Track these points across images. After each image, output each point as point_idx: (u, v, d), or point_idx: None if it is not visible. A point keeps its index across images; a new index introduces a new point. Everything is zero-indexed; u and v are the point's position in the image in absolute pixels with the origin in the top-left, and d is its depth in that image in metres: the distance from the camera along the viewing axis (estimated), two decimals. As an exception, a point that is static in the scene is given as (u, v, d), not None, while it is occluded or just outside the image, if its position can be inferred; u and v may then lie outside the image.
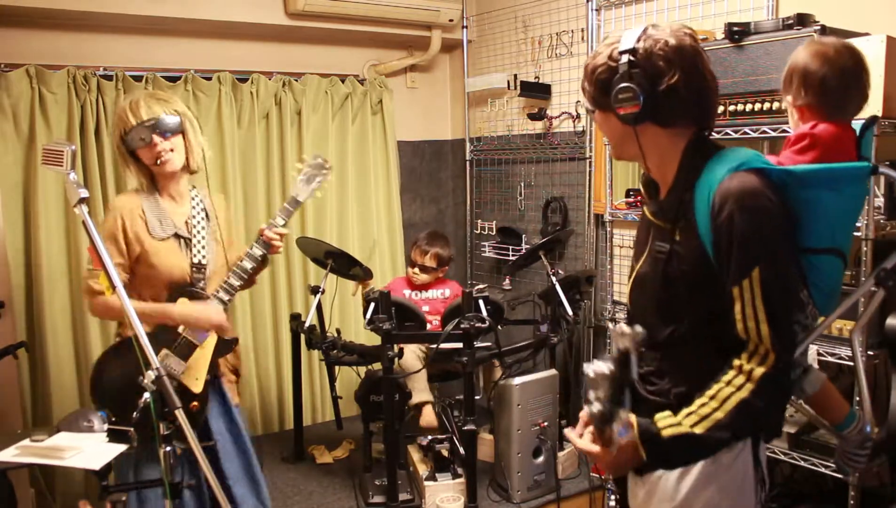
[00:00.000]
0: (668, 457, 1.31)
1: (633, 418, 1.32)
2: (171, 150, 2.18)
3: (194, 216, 2.28)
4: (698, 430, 1.28)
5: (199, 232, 2.27)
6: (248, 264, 2.25)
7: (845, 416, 1.66)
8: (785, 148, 1.59)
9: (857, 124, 1.56)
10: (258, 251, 2.26)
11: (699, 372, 1.34)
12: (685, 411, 1.31)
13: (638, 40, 1.33)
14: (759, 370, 1.27)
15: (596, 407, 1.26)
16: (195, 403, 2.14)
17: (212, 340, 2.23)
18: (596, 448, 1.34)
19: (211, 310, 2.18)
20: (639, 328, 1.24)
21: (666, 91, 1.32)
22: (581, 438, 1.40)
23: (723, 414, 1.27)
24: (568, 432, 1.45)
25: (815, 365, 2.21)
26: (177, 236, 2.23)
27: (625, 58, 1.33)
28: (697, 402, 1.31)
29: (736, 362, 1.30)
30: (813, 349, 2.26)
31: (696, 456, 1.34)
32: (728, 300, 1.30)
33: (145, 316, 2.16)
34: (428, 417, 3.25)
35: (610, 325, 1.44)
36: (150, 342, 2.05)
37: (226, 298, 2.23)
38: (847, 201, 1.39)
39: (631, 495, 1.52)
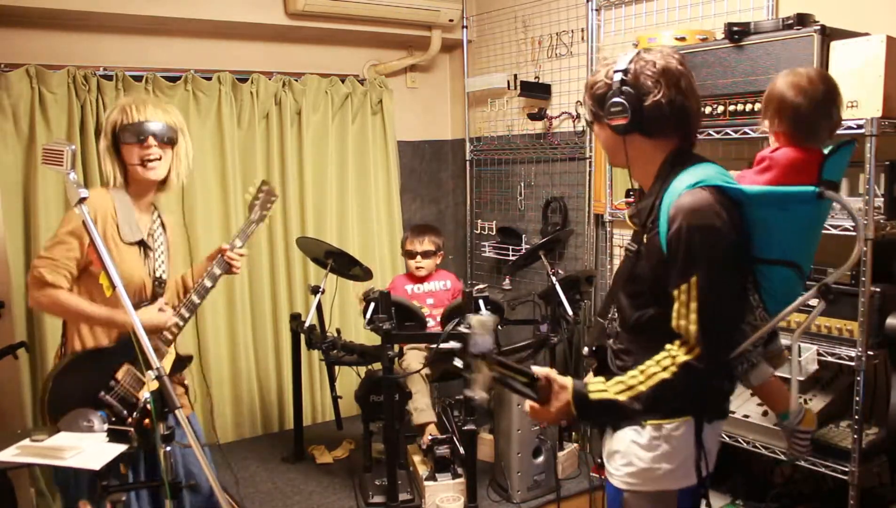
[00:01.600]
0: (593, 416, 1.56)
1: (568, 380, 1.53)
2: (159, 158, 2.15)
3: (154, 229, 2.26)
4: (621, 398, 1.50)
5: (159, 246, 2.25)
6: (209, 283, 2.27)
7: (785, 409, 1.85)
8: (751, 169, 1.76)
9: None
10: (218, 271, 2.29)
11: (657, 353, 1.52)
12: (616, 379, 1.53)
13: (630, 62, 1.55)
14: (683, 358, 1.47)
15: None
16: (147, 421, 2.07)
17: (170, 357, 2.23)
18: (535, 405, 1.55)
19: (151, 313, 2.14)
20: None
21: (651, 106, 1.52)
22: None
23: (644, 388, 1.48)
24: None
25: (815, 365, 2.24)
26: (142, 243, 2.19)
27: (617, 76, 1.54)
28: (629, 373, 1.52)
29: (668, 346, 1.50)
30: (812, 349, 2.26)
31: (616, 419, 1.59)
32: (670, 299, 1.49)
33: (94, 320, 2.11)
34: (429, 435, 3.24)
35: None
36: (111, 356, 2.07)
37: (187, 315, 2.23)
38: (797, 219, 1.54)
39: (604, 450, 1.73)
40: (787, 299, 1.59)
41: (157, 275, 2.21)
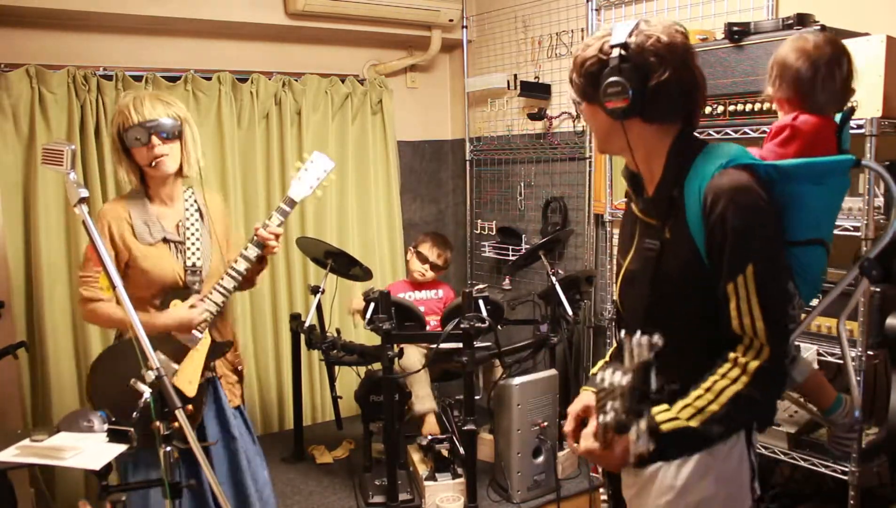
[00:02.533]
0: (666, 451, 1.30)
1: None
2: (167, 154, 2.16)
3: (188, 218, 2.26)
4: (694, 423, 1.28)
5: (192, 234, 2.24)
6: (242, 266, 2.22)
7: (832, 401, 1.71)
8: (766, 141, 1.62)
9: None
10: (253, 252, 2.23)
11: (691, 369, 1.34)
12: (681, 403, 1.31)
13: (630, 35, 1.32)
14: (754, 364, 1.28)
15: (610, 416, 1.23)
16: (189, 406, 2.11)
17: (205, 342, 2.21)
18: (596, 446, 1.33)
19: (180, 313, 2.16)
20: (657, 339, 1.20)
21: (655, 87, 1.32)
22: (578, 440, 1.42)
23: (718, 407, 1.27)
24: (568, 436, 1.47)
25: (815, 365, 2.23)
26: (166, 240, 2.21)
27: (616, 52, 1.31)
28: (693, 394, 1.31)
29: (731, 354, 1.31)
30: (812, 349, 2.26)
31: (692, 449, 1.35)
32: (722, 297, 1.31)
33: (125, 325, 2.17)
34: (430, 427, 3.25)
35: (623, 335, 1.42)
36: (152, 342, 2.05)
37: (219, 299, 2.20)
38: (831, 193, 1.41)
39: (624, 486, 1.53)
40: (818, 281, 1.46)
41: (189, 264, 2.21)
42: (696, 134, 1.44)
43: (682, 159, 1.37)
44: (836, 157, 1.44)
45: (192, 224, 2.26)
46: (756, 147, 1.57)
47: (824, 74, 1.56)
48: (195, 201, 2.31)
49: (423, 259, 3.62)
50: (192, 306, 2.19)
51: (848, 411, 1.68)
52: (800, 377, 1.64)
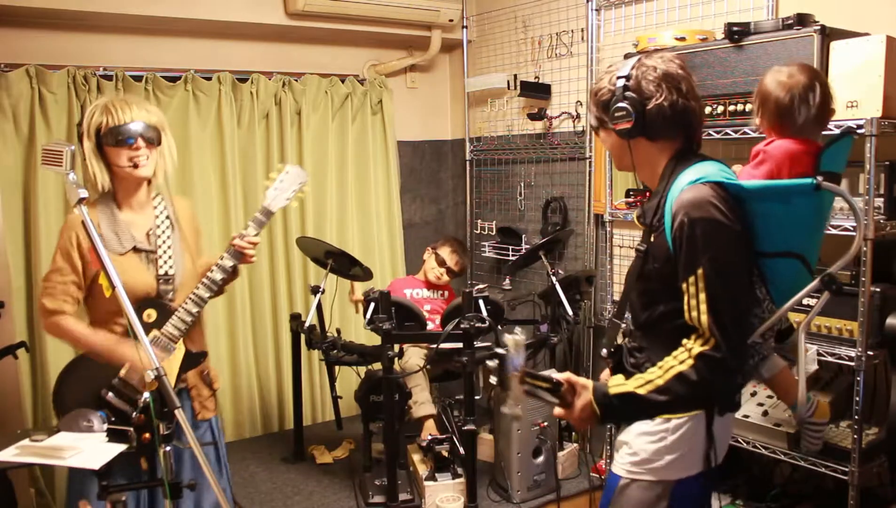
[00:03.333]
0: (616, 413, 1.56)
1: (589, 381, 1.58)
2: (147, 157, 2.12)
3: (158, 226, 2.20)
4: (641, 391, 1.52)
5: (164, 242, 2.19)
6: (218, 276, 2.17)
7: (796, 400, 1.91)
8: (749, 162, 1.81)
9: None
10: (229, 262, 2.18)
11: (667, 350, 1.56)
12: (636, 375, 1.56)
13: (632, 68, 1.59)
14: (697, 349, 1.49)
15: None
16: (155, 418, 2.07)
17: (179, 353, 2.16)
18: (560, 411, 1.59)
19: (132, 354, 2.04)
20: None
21: (653, 109, 1.57)
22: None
23: (662, 381, 1.51)
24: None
25: (815, 364, 2.24)
26: (136, 249, 2.14)
27: (621, 82, 1.59)
28: (649, 371, 1.55)
29: (685, 341, 1.53)
30: (813, 349, 2.26)
31: (639, 413, 1.60)
32: (680, 293, 1.53)
33: (94, 349, 2.09)
34: (429, 430, 3.24)
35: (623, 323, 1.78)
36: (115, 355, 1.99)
37: (194, 309, 2.15)
38: (798, 210, 1.56)
39: (616, 449, 1.80)
40: (794, 291, 1.62)
41: (161, 273, 2.16)
42: (695, 151, 1.65)
43: (671, 174, 1.60)
44: (795, 180, 1.63)
45: (164, 232, 2.20)
46: (740, 163, 1.80)
47: (799, 101, 1.75)
48: (164, 209, 2.25)
49: (442, 262, 3.64)
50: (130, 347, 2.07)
51: (811, 408, 1.88)
52: (767, 374, 1.85)
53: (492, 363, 1.51)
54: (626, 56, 1.72)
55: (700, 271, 1.48)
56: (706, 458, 1.62)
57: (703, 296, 1.48)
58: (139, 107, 2.13)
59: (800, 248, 1.60)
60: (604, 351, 1.78)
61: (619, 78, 1.60)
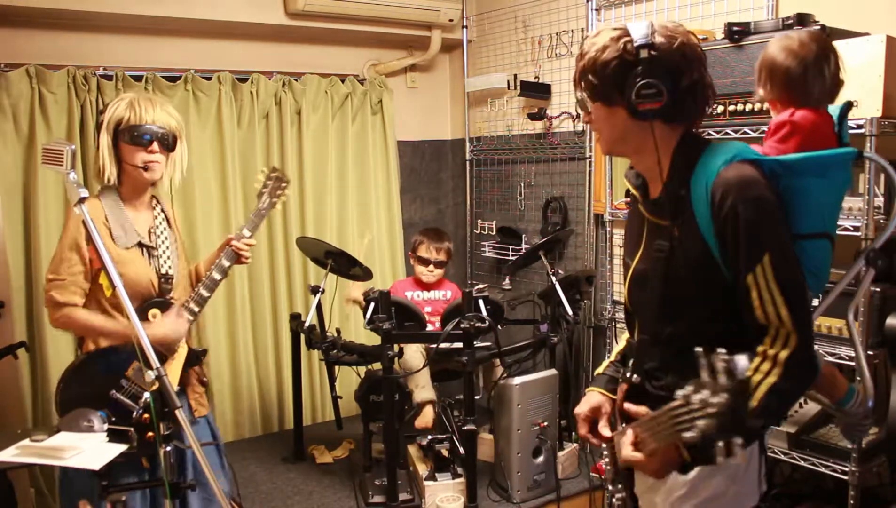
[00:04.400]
0: (706, 454, 1.23)
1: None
2: (160, 162, 2.14)
3: (157, 225, 2.22)
4: None
5: (163, 242, 2.22)
6: (218, 276, 2.23)
7: (845, 392, 1.72)
8: (766, 138, 1.63)
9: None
10: (227, 263, 2.24)
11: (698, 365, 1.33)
12: None
13: (652, 35, 1.32)
14: (784, 353, 1.27)
15: (695, 433, 1.15)
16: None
17: (182, 351, 2.19)
18: (639, 456, 1.32)
19: (169, 326, 2.11)
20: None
21: (685, 88, 1.33)
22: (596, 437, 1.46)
23: (755, 402, 1.25)
24: (586, 437, 1.51)
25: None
26: (140, 244, 2.16)
27: (644, 52, 1.31)
28: None
29: (760, 348, 1.30)
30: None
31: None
32: (742, 290, 1.31)
33: (108, 335, 2.10)
34: (426, 417, 3.24)
35: (635, 335, 1.52)
36: (121, 355, 2.02)
37: (196, 309, 2.20)
38: (834, 186, 1.42)
39: (638, 482, 1.54)
40: (825, 273, 1.47)
41: (164, 272, 2.18)
42: (697, 133, 1.46)
43: (687, 158, 1.38)
44: (838, 149, 1.45)
45: (163, 231, 2.23)
46: (758, 144, 1.57)
47: (813, 70, 1.58)
48: (162, 210, 2.27)
49: (425, 262, 3.62)
50: (177, 317, 2.14)
51: (861, 400, 1.69)
52: None
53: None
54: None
55: (767, 259, 1.27)
56: (758, 479, 1.41)
57: (775, 287, 1.27)
58: (163, 109, 2.15)
59: (830, 227, 1.45)
60: (635, 376, 1.49)
61: (639, 47, 1.31)
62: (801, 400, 2.36)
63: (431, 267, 3.59)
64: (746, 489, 1.40)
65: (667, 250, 1.39)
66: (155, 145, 2.11)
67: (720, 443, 1.12)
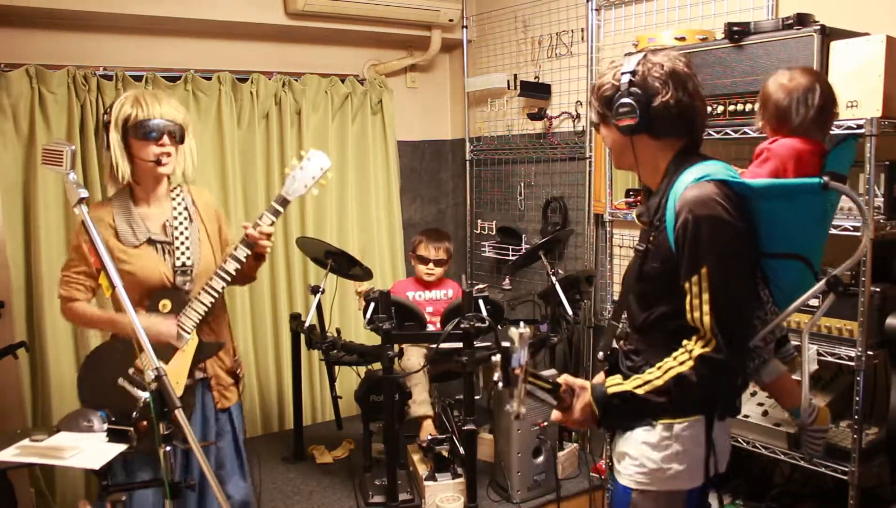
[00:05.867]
0: (614, 413, 1.56)
1: (587, 382, 1.60)
2: (172, 154, 2.16)
3: (176, 218, 2.23)
4: (639, 391, 1.52)
5: (181, 233, 2.22)
6: (232, 267, 2.18)
7: (798, 405, 1.85)
8: (752, 161, 1.79)
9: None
10: (242, 253, 2.19)
11: (667, 352, 1.54)
12: (635, 376, 1.56)
13: (638, 64, 1.56)
14: (698, 351, 1.48)
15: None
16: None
17: (192, 343, 2.18)
18: (558, 415, 1.61)
19: (161, 326, 2.11)
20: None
21: (659, 107, 1.54)
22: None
23: (661, 382, 1.50)
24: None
25: (815, 364, 2.24)
26: (151, 241, 2.18)
27: (626, 78, 1.56)
28: (647, 371, 1.55)
29: (685, 342, 1.52)
30: (813, 349, 2.26)
31: (637, 414, 1.58)
32: (682, 293, 1.50)
33: (100, 325, 2.24)
34: (428, 431, 3.24)
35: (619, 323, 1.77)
36: (131, 345, 2.03)
37: (207, 300, 2.17)
38: (804, 211, 1.55)
39: (613, 451, 1.75)
40: (796, 293, 1.60)
41: (179, 263, 2.19)
42: (697, 151, 1.63)
43: (674, 172, 1.57)
44: (803, 179, 1.60)
45: (181, 223, 2.23)
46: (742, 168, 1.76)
47: (797, 103, 1.74)
48: (182, 201, 2.27)
49: (425, 260, 3.62)
50: (166, 319, 2.15)
51: (812, 414, 1.83)
52: (767, 378, 1.81)
53: (495, 359, 1.47)
54: (628, 54, 1.69)
55: (704, 271, 1.45)
56: (705, 467, 1.59)
57: (706, 296, 1.45)
58: (168, 103, 2.16)
59: (804, 249, 1.59)
60: (600, 354, 1.75)
61: (623, 74, 1.57)
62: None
63: (431, 265, 3.59)
64: (690, 467, 1.57)
65: (643, 251, 1.61)
66: (165, 139, 2.13)
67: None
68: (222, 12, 3.46)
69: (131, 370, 2.12)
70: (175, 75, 3.50)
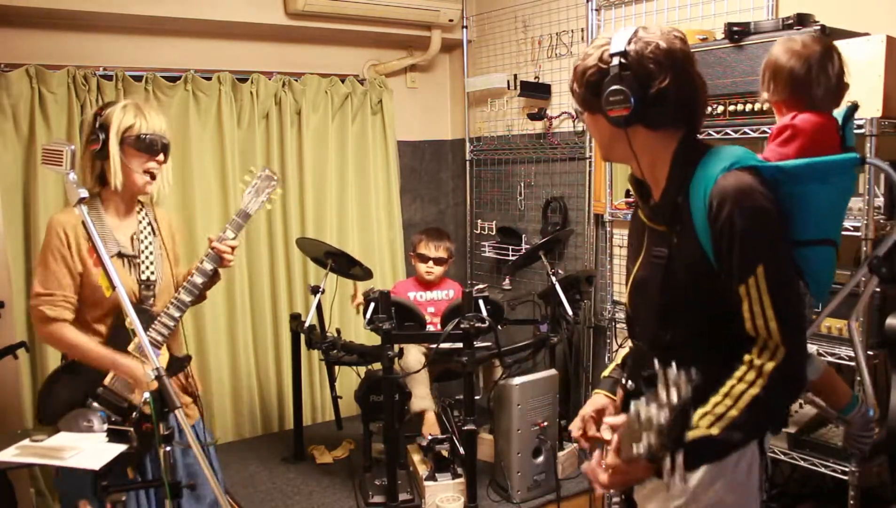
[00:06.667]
0: (688, 460, 1.19)
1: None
2: (161, 170, 2.14)
3: (141, 231, 2.19)
4: (715, 431, 1.26)
5: (146, 247, 2.18)
6: (199, 279, 2.15)
7: (848, 400, 1.70)
8: (769, 142, 1.63)
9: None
10: (209, 266, 2.16)
11: (701, 369, 1.27)
12: (700, 411, 1.28)
13: (629, 42, 1.33)
14: (769, 365, 1.27)
15: (643, 449, 1.14)
16: (149, 423, 1.96)
17: (163, 358, 2.14)
18: (619, 462, 1.29)
19: (134, 368, 2.04)
20: (695, 374, 1.12)
21: (656, 94, 1.32)
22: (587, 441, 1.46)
23: (737, 412, 1.26)
24: (578, 440, 1.48)
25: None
26: (120, 254, 2.11)
27: (616, 60, 1.32)
28: (712, 401, 1.29)
29: (747, 357, 1.29)
30: (812, 349, 2.26)
31: (714, 456, 1.32)
32: (734, 299, 1.30)
33: (95, 362, 2.05)
34: (430, 425, 3.25)
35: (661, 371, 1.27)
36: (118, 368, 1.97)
37: (176, 314, 2.12)
38: (836, 192, 1.41)
39: (637, 487, 1.53)
40: (828, 280, 1.46)
41: (144, 278, 2.14)
42: (699, 138, 1.44)
43: (685, 164, 1.38)
44: (840, 155, 1.44)
45: (146, 237, 2.19)
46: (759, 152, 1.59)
47: (817, 71, 1.58)
48: (146, 215, 2.23)
49: (425, 259, 3.61)
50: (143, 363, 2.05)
51: (864, 410, 1.69)
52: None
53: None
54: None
55: (760, 271, 1.26)
56: (760, 488, 1.39)
57: (767, 300, 1.26)
58: (161, 118, 2.14)
59: (834, 233, 1.44)
60: (630, 383, 1.49)
61: (613, 55, 1.33)
62: (800, 401, 2.35)
63: (431, 264, 3.59)
64: (746, 497, 1.39)
65: (665, 257, 1.39)
66: (161, 155, 2.12)
67: (668, 459, 1.11)
68: (222, 12, 3.46)
69: (100, 390, 2.04)
70: (175, 75, 3.50)
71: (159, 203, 2.33)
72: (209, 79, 3.56)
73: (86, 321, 2.09)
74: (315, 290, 3.20)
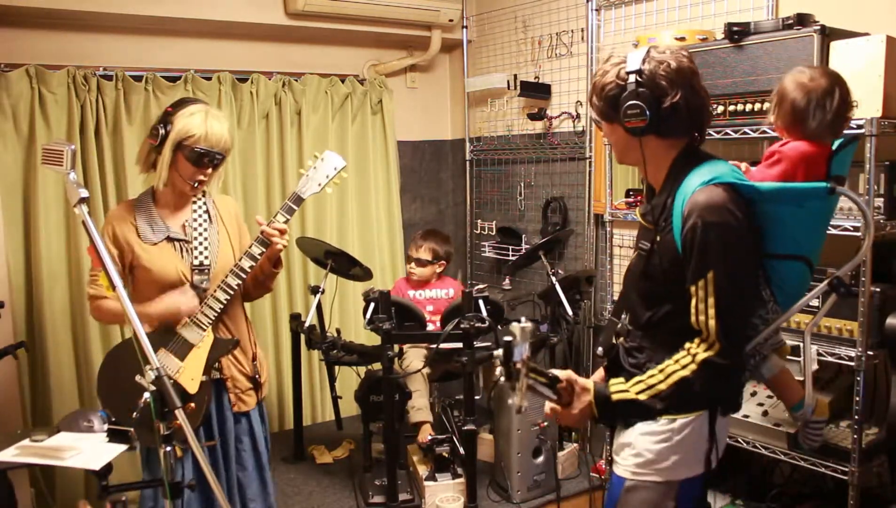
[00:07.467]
0: (614, 416, 1.62)
1: (590, 382, 1.60)
2: (207, 180, 2.23)
3: (196, 219, 2.28)
4: (641, 397, 1.55)
5: (200, 233, 2.27)
6: (247, 264, 2.22)
7: (798, 400, 1.92)
8: (762, 161, 1.79)
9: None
10: (257, 250, 2.23)
11: (670, 350, 1.57)
12: (636, 378, 1.58)
13: (643, 62, 1.54)
14: (702, 355, 1.50)
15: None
16: (191, 404, 2.11)
17: (208, 339, 2.21)
18: (558, 407, 1.61)
19: (181, 304, 2.17)
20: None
21: (669, 108, 1.53)
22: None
23: (664, 387, 1.53)
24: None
25: (815, 365, 2.24)
26: (169, 239, 2.23)
27: (632, 77, 1.54)
28: (649, 372, 1.57)
29: (687, 344, 1.54)
30: (813, 349, 2.26)
31: (636, 417, 1.60)
32: (687, 295, 1.53)
33: (126, 317, 2.17)
34: (424, 434, 3.24)
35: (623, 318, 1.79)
36: (149, 342, 2.05)
37: (222, 296, 2.21)
38: (809, 214, 1.58)
39: (614, 443, 1.77)
40: (797, 293, 1.64)
41: (197, 262, 2.23)
42: (701, 149, 1.64)
43: (680, 172, 1.58)
44: (810, 183, 1.62)
45: (200, 225, 2.28)
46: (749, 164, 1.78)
47: (815, 106, 1.72)
48: (204, 204, 2.32)
49: (409, 259, 3.64)
50: (188, 293, 2.19)
51: (808, 410, 1.90)
52: (767, 374, 1.85)
53: (497, 352, 1.45)
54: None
55: (710, 276, 1.47)
56: (707, 459, 1.61)
57: (711, 301, 1.47)
58: (225, 129, 2.21)
59: (806, 251, 1.61)
60: (599, 350, 1.78)
61: (630, 72, 1.55)
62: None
63: (413, 265, 3.61)
64: (690, 458, 1.60)
65: (647, 250, 1.62)
66: (210, 169, 2.20)
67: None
68: (222, 12, 3.46)
69: (146, 369, 2.11)
70: (175, 75, 3.50)
71: (217, 191, 2.41)
72: (209, 79, 3.56)
73: (142, 301, 2.19)
74: (315, 290, 3.20)
